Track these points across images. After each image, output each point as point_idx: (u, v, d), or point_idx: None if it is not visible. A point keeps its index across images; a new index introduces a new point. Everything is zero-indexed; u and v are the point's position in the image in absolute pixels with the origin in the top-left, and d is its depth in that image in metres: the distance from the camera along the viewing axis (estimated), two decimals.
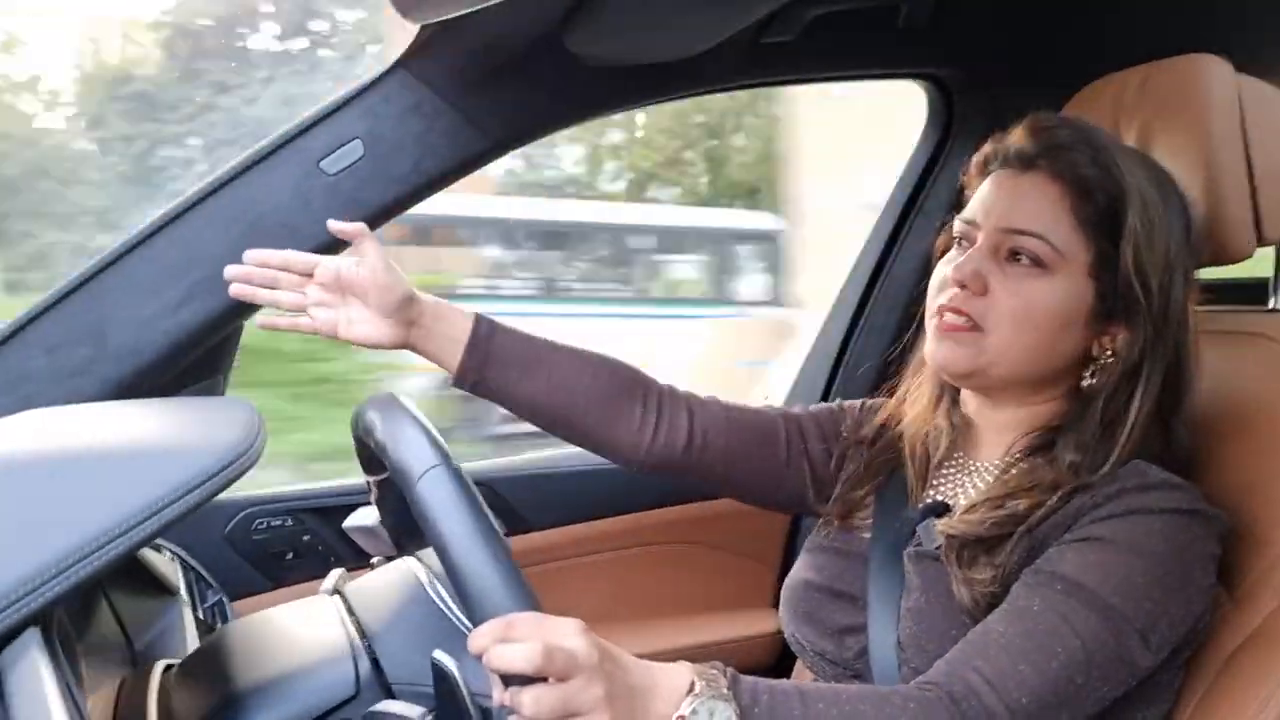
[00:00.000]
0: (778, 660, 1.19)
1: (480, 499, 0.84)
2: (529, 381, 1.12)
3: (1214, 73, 1.14)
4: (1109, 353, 1.03)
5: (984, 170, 1.09)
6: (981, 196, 1.06)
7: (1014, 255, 1.01)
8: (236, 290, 1.08)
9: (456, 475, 0.84)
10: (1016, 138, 1.05)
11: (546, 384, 1.12)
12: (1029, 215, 1.01)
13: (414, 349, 1.09)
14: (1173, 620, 0.93)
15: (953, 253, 1.07)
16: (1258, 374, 1.11)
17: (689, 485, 1.47)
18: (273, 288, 1.09)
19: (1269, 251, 1.29)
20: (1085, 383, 1.03)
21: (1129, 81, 1.21)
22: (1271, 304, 1.25)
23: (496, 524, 0.83)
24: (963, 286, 1.01)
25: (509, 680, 0.76)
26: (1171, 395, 1.02)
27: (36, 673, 0.61)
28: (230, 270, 1.08)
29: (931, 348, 1.05)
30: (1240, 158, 1.13)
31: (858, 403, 1.23)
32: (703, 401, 1.20)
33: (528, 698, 0.75)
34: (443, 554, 0.81)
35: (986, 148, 1.09)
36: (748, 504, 1.24)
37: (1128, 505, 0.95)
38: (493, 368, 1.10)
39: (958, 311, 1.02)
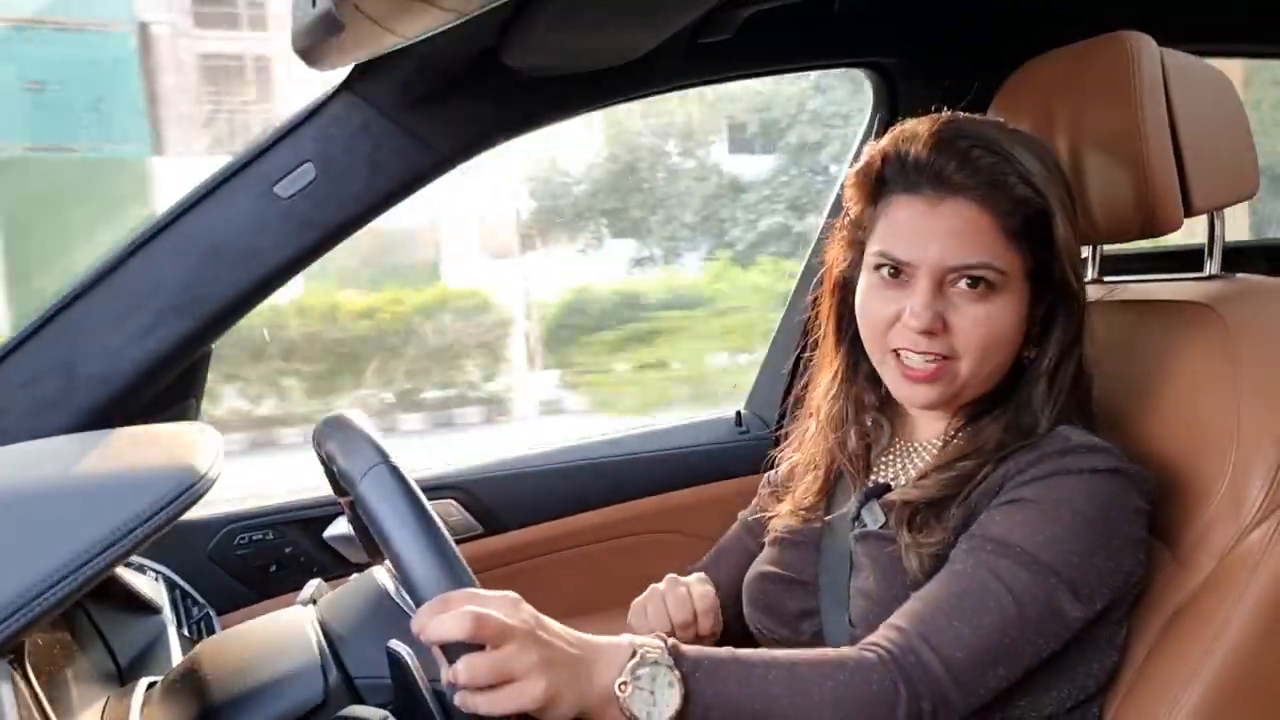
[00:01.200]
0: (749, 642, 1.23)
1: (419, 491, 0.86)
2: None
3: (1140, 49, 1.17)
4: (1038, 325, 1.07)
5: (876, 191, 1.07)
6: (904, 231, 1.03)
7: (962, 282, 1.02)
8: None
9: (394, 472, 0.86)
10: (924, 155, 1.02)
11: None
12: (970, 247, 1.01)
13: None
14: (1101, 572, 0.97)
15: (877, 281, 1.06)
16: (1194, 339, 1.14)
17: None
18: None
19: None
20: (1027, 354, 1.07)
21: (1061, 61, 1.25)
22: (1208, 270, 1.28)
23: (434, 512, 0.86)
24: (929, 334, 1.02)
25: (450, 655, 0.80)
26: (1077, 350, 1.07)
27: (3, 704, 0.64)
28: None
29: (903, 391, 1.07)
30: (1166, 131, 1.16)
31: (787, 451, 1.27)
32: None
33: (462, 664, 0.79)
34: (384, 545, 0.84)
35: (877, 163, 1.06)
36: None
37: (1051, 468, 0.99)
38: None
39: (926, 354, 1.03)
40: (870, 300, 1.07)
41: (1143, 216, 1.15)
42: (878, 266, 1.06)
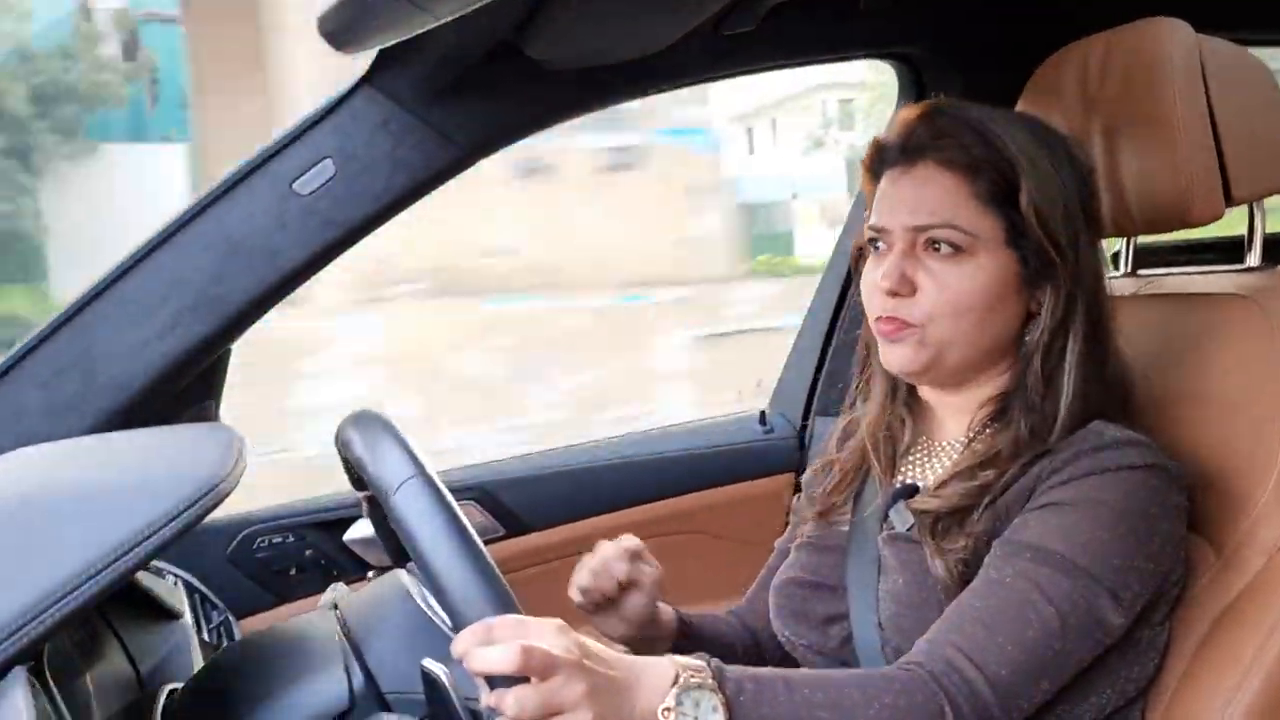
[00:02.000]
0: (782, 654, 1.21)
1: (456, 507, 0.85)
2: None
3: (1174, 35, 1.14)
4: (1040, 310, 1.05)
5: (875, 172, 1.10)
6: (881, 199, 1.08)
7: (931, 246, 1.03)
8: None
9: (431, 486, 0.85)
10: (897, 134, 1.07)
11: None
12: (932, 207, 1.03)
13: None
14: (1142, 575, 0.95)
15: (871, 259, 1.09)
16: (1234, 332, 1.11)
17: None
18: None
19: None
20: (1027, 337, 1.06)
21: (1092, 49, 1.22)
22: (1247, 262, 1.25)
23: (473, 530, 0.84)
24: (893, 294, 1.03)
25: (494, 682, 0.78)
26: (1099, 344, 1.05)
27: (19, 712, 0.63)
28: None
29: (884, 356, 1.08)
30: (1205, 119, 1.13)
31: (815, 464, 1.25)
32: (754, 613, 1.25)
33: (511, 699, 0.77)
34: (422, 564, 0.83)
35: (870, 150, 1.11)
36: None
37: (1085, 467, 0.97)
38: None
39: (893, 319, 1.04)
40: (865, 276, 1.09)
41: (1181, 207, 1.13)
42: (869, 241, 1.09)
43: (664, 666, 0.83)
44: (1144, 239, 1.33)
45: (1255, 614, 0.99)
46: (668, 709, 0.81)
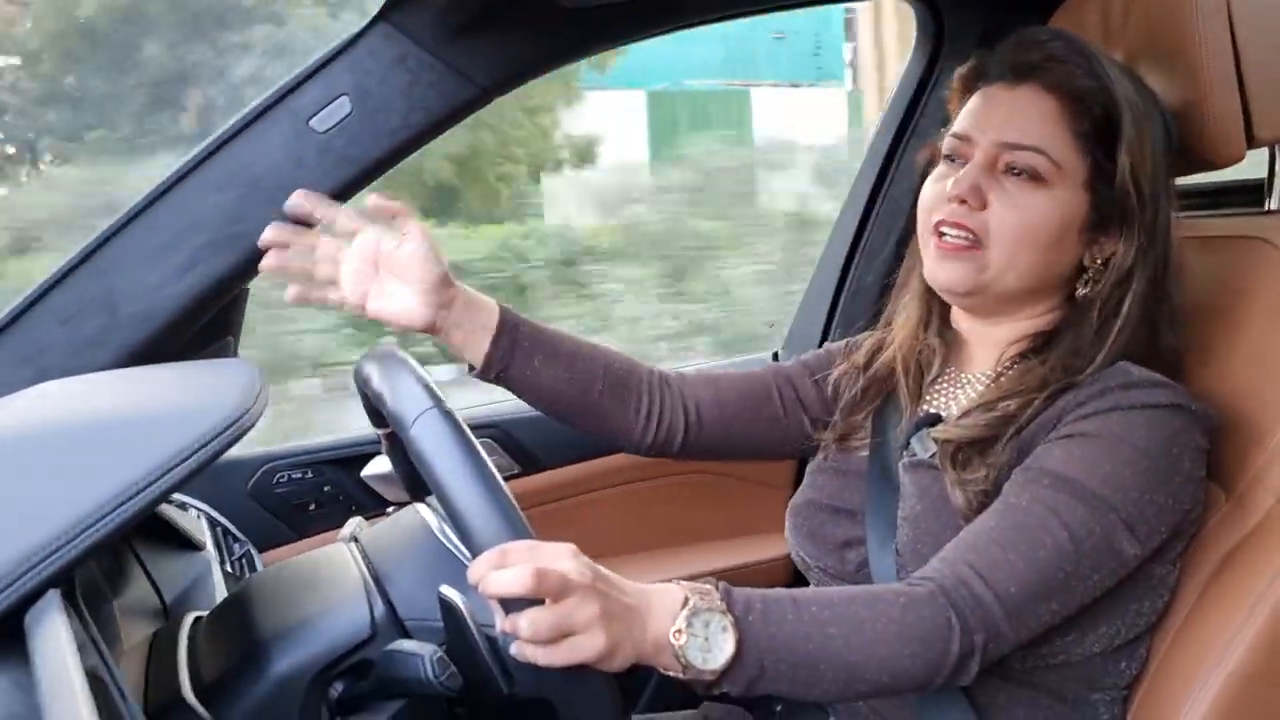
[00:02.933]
0: (791, 583, 1.22)
1: (472, 438, 0.86)
2: (550, 371, 1.12)
3: None
4: (1099, 262, 1.04)
5: (971, 86, 1.09)
6: (973, 110, 1.05)
7: (1011, 169, 1.02)
8: (269, 263, 1.04)
9: (449, 417, 0.86)
10: (1007, 51, 1.05)
11: (567, 374, 1.13)
12: (1027, 129, 1.01)
13: (440, 334, 1.06)
14: (1160, 509, 0.95)
15: (942, 168, 1.07)
16: (1253, 276, 1.11)
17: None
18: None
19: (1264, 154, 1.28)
20: (1080, 292, 1.05)
21: None
22: (1267, 206, 1.24)
23: (489, 461, 0.86)
24: (962, 202, 1.02)
25: (508, 606, 0.80)
26: (1158, 300, 1.04)
27: (56, 632, 0.65)
28: (266, 237, 1.04)
29: (931, 269, 1.06)
30: (1229, 60, 1.12)
31: (843, 342, 1.26)
32: (690, 380, 1.22)
33: (525, 621, 0.79)
34: (439, 493, 0.84)
35: (972, 62, 1.09)
36: (757, 461, 1.26)
37: (1112, 402, 0.97)
38: (518, 357, 1.10)
39: (958, 226, 1.02)
40: (929, 183, 1.08)
41: (1202, 148, 1.12)
42: (945, 153, 1.07)
43: (673, 591, 0.85)
44: None
45: (1264, 554, 1.00)
46: (678, 631, 0.82)
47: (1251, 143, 1.14)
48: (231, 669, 0.95)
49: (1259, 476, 1.03)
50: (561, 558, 0.80)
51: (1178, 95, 1.11)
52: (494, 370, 1.10)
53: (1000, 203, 1.01)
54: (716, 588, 0.86)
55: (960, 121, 1.07)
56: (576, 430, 1.20)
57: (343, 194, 1.31)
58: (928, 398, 1.13)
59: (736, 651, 0.84)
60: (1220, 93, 1.10)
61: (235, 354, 1.45)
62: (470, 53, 1.30)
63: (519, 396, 1.15)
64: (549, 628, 0.79)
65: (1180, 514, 0.98)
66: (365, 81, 1.29)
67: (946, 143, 1.07)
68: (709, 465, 1.72)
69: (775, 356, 1.87)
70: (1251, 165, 1.20)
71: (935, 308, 1.14)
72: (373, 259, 1.04)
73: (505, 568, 0.79)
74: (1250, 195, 1.31)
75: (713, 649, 0.83)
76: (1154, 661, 1.04)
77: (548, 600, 0.79)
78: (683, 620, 0.83)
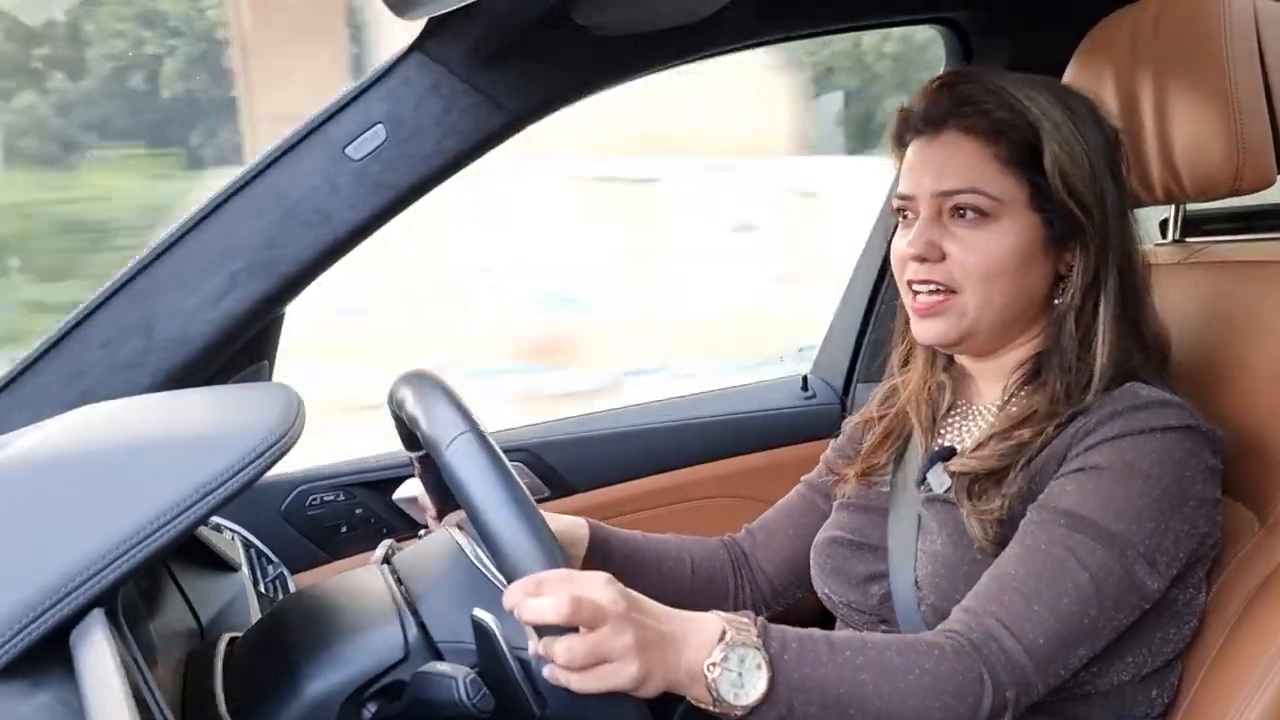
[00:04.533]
0: (821, 610, 1.22)
1: (507, 462, 0.87)
2: (642, 579, 1.19)
3: None
4: (1072, 272, 1.06)
5: (901, 143, 1.12)
6: (908, 167, 1.09)
7: (957, 213, 1.04)
8: None
9: (483, 440, 0.87)
10: (919, 103, 1.08)
11: (658, 578, 1.21)
12: (957, 173, 1.04)
13: None
14: (1176, 537, 0.95)
15: (900, 230, 1.10)
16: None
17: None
18: None
19: None
20: (1056, 301, 1.07)
21: (1143, 14, 1.21)
22: None
23: (523, 485, 0.87)
24: (922, 259, 1.04)
25: (542, 632, 0.81)
26: (1133, 302, 1.05)
27: (101, 650, 0.66)
28: None
29: (916, 329, 1.09)
30: (1259, 84, 1.12)
31: (860, 417, 1.28)
32: (760, 544, 1.29)
33: (560, 647, 0.80)
34: (473, 516, 0.85)
35: (896, 119, 1.12)
36: None
37: (1120, 428, 0.97)
38: (609, 571, 1.14)
39: (926, 281, 1.05)
40: (894, 243, 1.10)
41: (1233, 173, 1.12)
42: (897, 211, 1.10)
43: (711, 622, 0.85)
44: (1193, 207, 1.32)
45: None
46: (713, 664, 0.83)
47: None
48: (266, 690, 0.95)
49: None
50: (596, 586, 0.81)
51: (1208, 120, 1.12)
52: None
53: (956, 248, 1.04)
54: (755, 622, 0.86)
55: (901, 182, 1.10)
56: None
57: (379, 219, 1.34)
58: (941, 432, 1.14)
59: (769, 689, 0.84)
60: (1250, 118, 1.11)
61: (270, 378, 1.46)
62: (502, 81, 1.32)
63: None
64: (583, 655, 0.79)
65: (1197, 539, 0.98)
66: (399, 109, 1.31)
67: (896, 204, 1.10)
68: (740, 490, 1.72)
69: (805, 380, 1.87)
70: None
71: (938, 351, 1.16)
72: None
73: (541, 595, 0.80)
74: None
75: (745, 685, 0.83)
76: (1189, 691, 1.03)
77: (582, 628, 0.79)
78: (718, 653, 0.83)
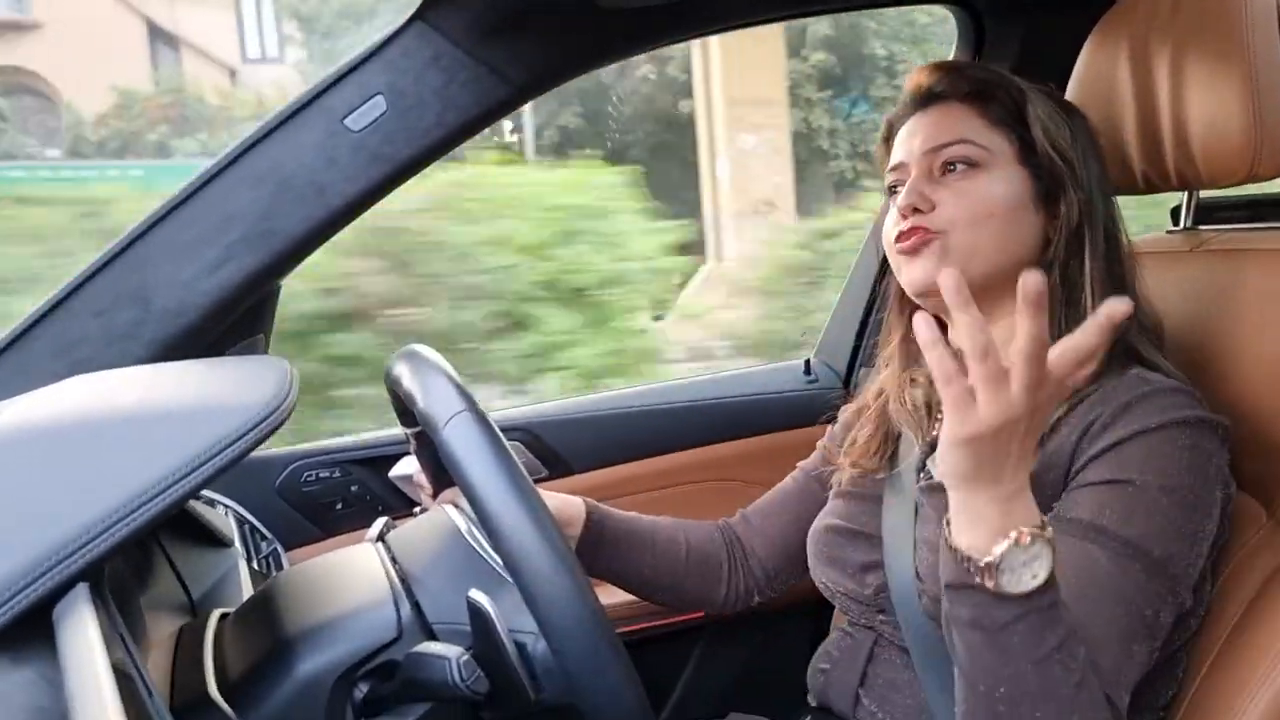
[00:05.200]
0: (818, 598, 1.21)
1: (504, 441, 0.86)
2: (636, 558, 1.22)
3: None
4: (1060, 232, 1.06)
5: (890, 137, 1.15)
6: (899, 143, 1.12)
7: (947, 167, 1.07)
8: None
9: (481, 419, 0.86)
10: (908, 93, 1.14)
11: (652, 559, 1.24)
12: (947, 129, 1.08)
13: None
14: (1205, 545, 0.95)
15: (890, 203, 1.12)
16: None
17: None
18: None
19: None
20: (1045, 259, 1.06)
21: None
22: None
23: (521, 464, 0.85)
24: (913, 210, 1.05)
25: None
26: (1118, 268, 1.06)
27: (85, 625, 0.64)
28: None
29: (904, 277, 1.09)
30: (1279, 68, 1.10)
31: (850, 405, 1.29)
32: (755, 528, 1.31)
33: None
34: (470, 495, 0.84)
35: (885, 125, 1.18)
36: None
37: (1139, 423, 0.95)
38: (604, 550, 1.21)
39: (913, 230, 1.05)
40: (885, 221, 1.11)
41: (1251, 159, 1.10)
42: (889, 189, 1.13)
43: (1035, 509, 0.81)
44: (1206, 194, 1.30)
45: None
46: (1031, 532, 0.78)
47: None
48: (257, 667, 0.94)
49: None
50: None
51: (1225, 104, 1.09)
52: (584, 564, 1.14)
53: (948, 196, 1.05)
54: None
55: (892, 156, 1.13)
56: (665, 605, 1.31)
57: (377, 192, 1.32)
58: (938, 417, 1.13)
59: (1042, 587, 0.79)
60: (1269, 102, 1.08)
61: (266, 351, 1.45)
62: (505, 53, 1.30)
63: (609, 582, 1.24)
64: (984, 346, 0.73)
65: (1213, 536, 0.97)
66: (400, 81, 1.29)
67: (889, 179, 1.13)
68: (738, 473, 1.71)
69: (807, 364, 1.85)
70: None
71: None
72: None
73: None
74: None
75: (1030, 570, 0.79)
76: (1194, 682, 1.02)
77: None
78: (1035, 530, 0.78)
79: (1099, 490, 0.94)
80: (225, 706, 0.89)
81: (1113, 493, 0.94)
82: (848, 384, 1.83)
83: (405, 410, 1.00)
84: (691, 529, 1.29)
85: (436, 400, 0.89)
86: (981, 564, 0.79)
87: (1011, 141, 1.07)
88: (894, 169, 1.12)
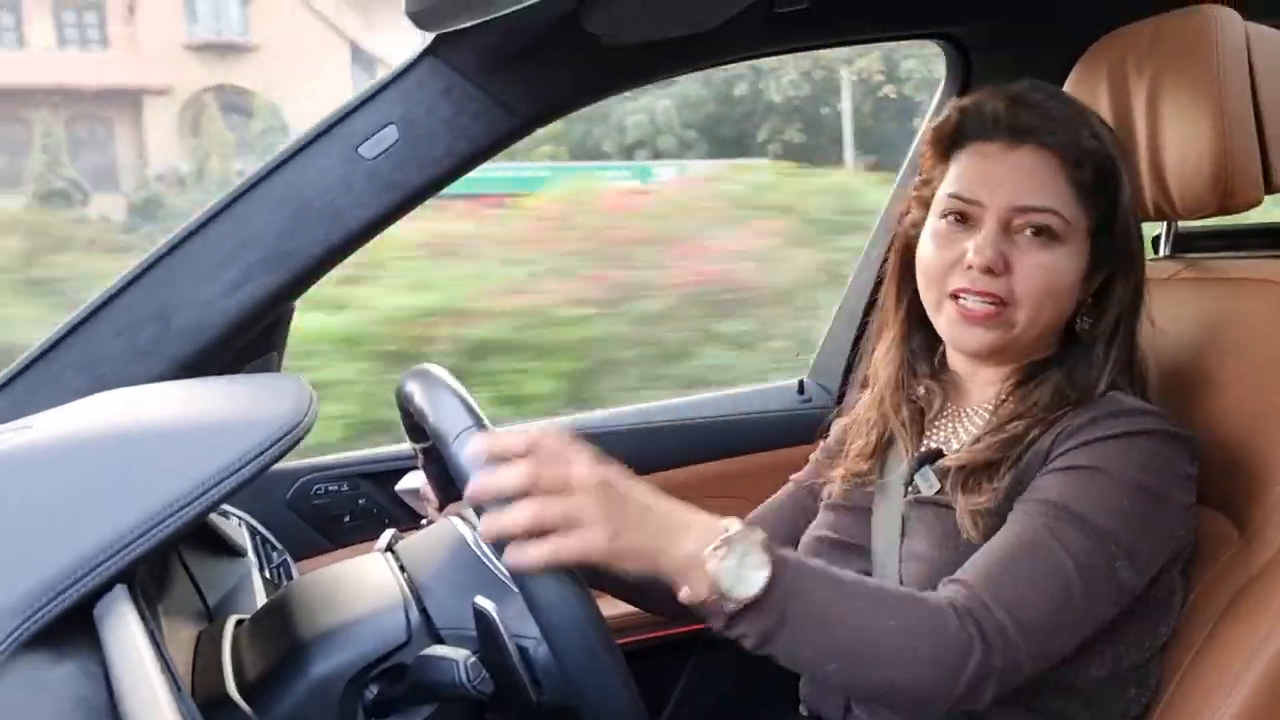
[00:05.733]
0: None
1: None
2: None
3: (1223, 23, 1.15)
4: (1090, 297, 1.08)
5: (956, 142, 1.09)
6: (974, 172, 1.06)
7: (1026, 229, 1.04)
8: None
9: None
10: (1001, 111, 1.05)
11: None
12: (1039, 191, 1.03)
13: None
14: (1155, 538, 0.98)
15: (944, 228, 1.07)
16: (1265, 318, 1.14)
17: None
18: None
19: None
20: (1081, 326, 1.08)
21: (1140, 34, 1.23)
22: None
23: None
24: (988, 271, 1.03)
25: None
26: (1138, 326, 1.09)
27: (127, 623, 0.69)
28: None
29: (956, 334, 1.07)
30: (1248, 106, 1.15)
31: (842, 419, 1.29)
32: None
33: (510, 513, 0.80)
34: (478, 506, 0.88)
35: (955, 117, 1.09)
36: None
37: (1102, 431, 1.00)
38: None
39: (984, 294, 1.03)
40: (933, 244, 1.08)
41: (1221, 192, 1.15)
42: (945, 213, 1.07)
43: (714, 519, 0.85)
44: (1185, 223, 1.35)
45: (1270, 595, 1.02)
46: (716, 548, 0.82)
47: (1270, 188, 1.17)
48: (272, 669, 0.98)
49: (1269, 516, 1.06)
50: (573, 461, 0.82)
51: (1198, 140, 1.14)
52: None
53: (1022, 265, 1.03)
54: (756, 530, 0.85)
55: (960, 183, 1.07)
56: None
57: (389, 217, 1.37)
58: (929, 434, 1.16)
59: (767, 588, 0.83)
60: (1239, 138, 1.14)
61: (279, 368, 1.49)
62: (513, 85, 1.35)
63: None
64: (537, 516, 0.79)
65: (1175, 540, 1.01)
66: (412, 111, 1.34)
67: (947, 203, 1.07)
68: (733, 491, 1.74)
69: (801, 384, 1.89)
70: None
71: (921, 357, 1.17)
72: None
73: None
74: (1273, 239, 1.34)
75: (744, 579, 0.83)
76: (1166, 692, 1.06)
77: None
78: (721, 543, 0.83)
79: (1053, 474, 1.00)
80: (244, 706, 0.93)
81: (1068, 475, 0.99)
82: (840, 404, 1.87)
83: (415, 426, 1.05)
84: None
85: (446, 416, 0.93)
86: (719, 591, 0.83)
87: (1089, 215, 1.04)
88: (963, 199, 1.06)
